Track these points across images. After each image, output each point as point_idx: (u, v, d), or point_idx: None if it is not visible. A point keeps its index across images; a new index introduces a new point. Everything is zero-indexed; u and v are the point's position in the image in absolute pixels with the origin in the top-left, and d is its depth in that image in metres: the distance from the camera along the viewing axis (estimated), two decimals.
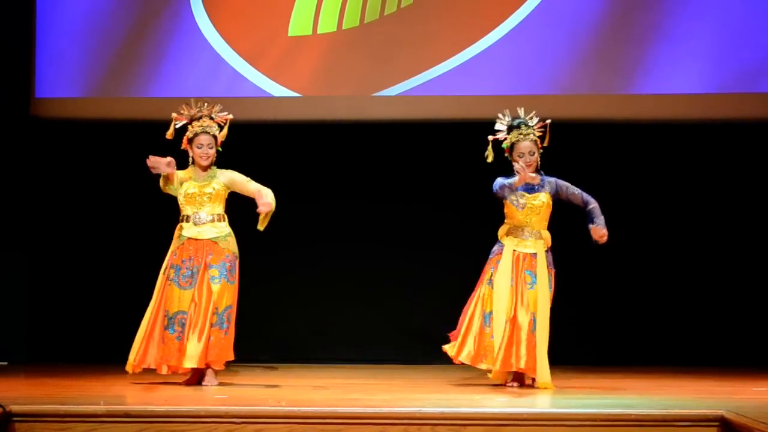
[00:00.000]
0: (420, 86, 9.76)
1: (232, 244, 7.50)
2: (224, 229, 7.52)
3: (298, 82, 9.83)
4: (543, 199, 7.52)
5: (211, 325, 7.36)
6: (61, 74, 9.89)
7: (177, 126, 7.63)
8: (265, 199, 7.35)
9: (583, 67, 9.69)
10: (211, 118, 7.61)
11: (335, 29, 9.83)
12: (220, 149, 7.64)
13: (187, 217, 7.55)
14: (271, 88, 9.79)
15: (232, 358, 7.43)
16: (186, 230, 7.53)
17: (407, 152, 10.05)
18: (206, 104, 7.65)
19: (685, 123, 9.78)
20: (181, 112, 7.63)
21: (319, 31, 9.82)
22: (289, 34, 9.83)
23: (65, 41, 9.89)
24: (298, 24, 9.83)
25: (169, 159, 7.49)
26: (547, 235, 7.53)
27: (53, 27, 9.89)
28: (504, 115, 7.61)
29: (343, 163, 10.05)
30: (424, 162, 10.03)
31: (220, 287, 7.39)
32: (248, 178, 7.55)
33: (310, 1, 9.81)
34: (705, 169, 9.93)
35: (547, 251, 7.49)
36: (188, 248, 7.51)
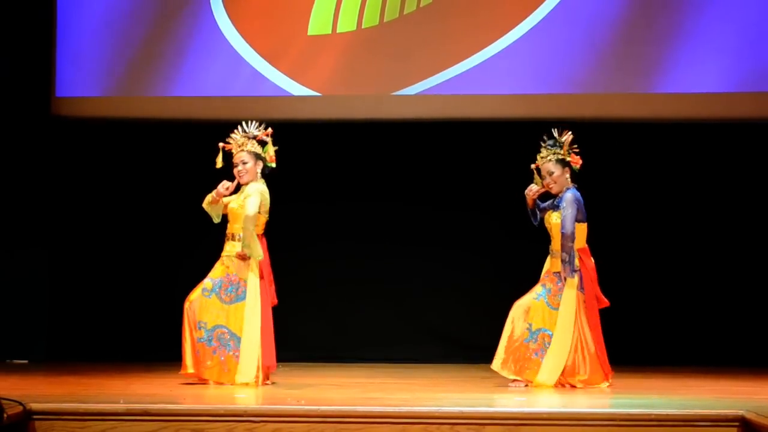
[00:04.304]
0: (439, 85, 9.75)
1: (235, 265, 7.43)
2: (236, 248, 7.45)
3: (318, 81, 9.84)
4: (551, 219, 7.58)
5: (198, 339, 7.36)
6: (82, 73, 9.92)
7: (228, 150, 7.61)
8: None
9: (602, 67, 9.67)
10: (254, 137, 7.59)
11: (355, 28, 9.83)
12: (272, 165, 7.63)
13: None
14: (290, 87, 9.80)
15: (226, 381, 7.33)
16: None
17: (427, 151, 10.04)
18: (255, 125, 7.61)
19: (705, 122, 9.75)
20: (229, 141, 7.61)
21: (338, 30, 9.83)
22: (309, 33, 9.84)
23: (85, 40, 9.92)
24: (318, 23, 9.83)
25: (227, 184, 7.53)
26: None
27: (73, 26, 9.92)
28: (543, 141, 7.66)
29: (362, 162, 10.05)
30: (443, 161, 10.03)
31: (209, 302, 7.40)
32: (253, 192, 7.45)
33: (330, 1, 9.82)
34: (725, 168, 9.90)
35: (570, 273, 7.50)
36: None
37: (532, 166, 7.67)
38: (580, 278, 7.45)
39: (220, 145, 7.61)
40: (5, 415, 5.27)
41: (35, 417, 5.53)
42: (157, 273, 9.97)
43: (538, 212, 7.74)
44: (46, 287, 9.88)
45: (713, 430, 5.48)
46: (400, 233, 10.02)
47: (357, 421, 5.54)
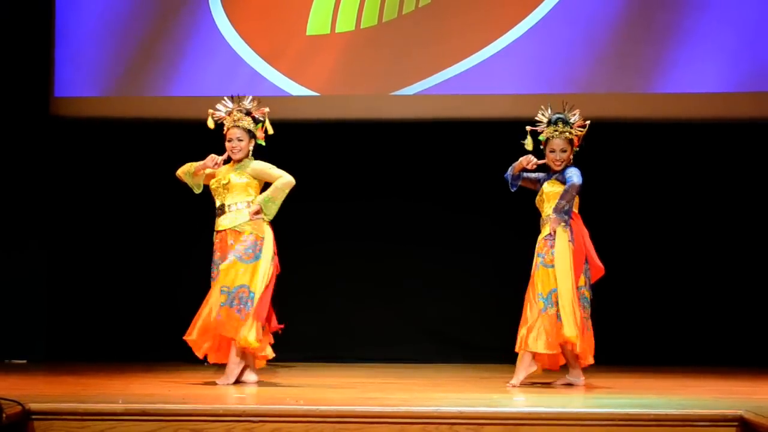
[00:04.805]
0: (438, 85, 9.76)
1: (249, 226, 7.40)
2: (241, 216, 7.46)
3: (317, 81, 9.84)
4: (545, 189, 7.55)
5: (221, 305, 7.29)
6: (80, 73, 9.93)
7: (216, 120, 7.60)
8: (260, 197, 7.44)
9: (601, 66, 9.68)
10: (248, 113, 7.58)
11: (353, 28, 9.84)
12: (262, 143, 7.62)
13: (216, 209, 7.54)
14: (289, 87, 9.81)
15: (238, 336, 7.27)
16: (216, 223, 7.54)
17: (425, 151, 10.05)
18: (249, 100, 7.61)
19: (704, 122, 9.76)
20: (217, 107, 7.61)
21: (337, 30, 9.83)
22: (308, 33, 9.84)
23: (84, 40, 9.92)
24: (317, 23, 9.84)
25: (216, 159, 7.52)
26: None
27: (72, 26, 9.92)
28: (546, 108, 7.64)
29: (361, 162, 10.05)
30: (442, 161, 10.03)
31: (230, 265, 7.35)
32: (272, 165, 7.52)
33: (329, 0, 9.82)
34: (724, 168, 9.91)
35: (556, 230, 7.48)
36: (217, 241, 7.50)
37: (529, 128, 7.63)
38: (571, 232, 7.43)
39: (210, 111, 7.61)
40: (4, 415, 5.26)
41: (34, 417, 5.53)
42: (157, 273, 9.98)
43: (519, 181, 7.71)
44: (45, 287, 9.88)
45: (712, 430, 5.48)
46: (400, 233, 10.02)
47: (356, 421, 5.53)
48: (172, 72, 9.90)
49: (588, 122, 7.63)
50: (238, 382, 7.35)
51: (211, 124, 7.62)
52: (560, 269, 7.37)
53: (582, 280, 7.49)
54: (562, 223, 7.41)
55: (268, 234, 7.44)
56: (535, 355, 7.44)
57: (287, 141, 9.59)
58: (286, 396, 6.46)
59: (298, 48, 9.85)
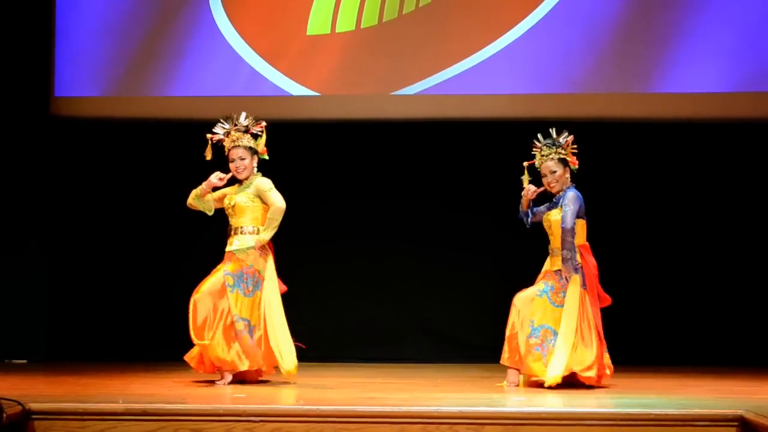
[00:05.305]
0: (438, 85, 9.75)
1: (251, 257, 7.44)
2: (246, 242, 7.46)
3: (317, 80, 9.84)
4: (551, 217, 7.55)
5: (240, 332, 7.33)
6: (80, 73, 9.92)
7: (215, 142, 7.57)
8: (261, 233, 7.44)
9: (601, 66, 9.68)
10: (246, 131, 7.56)
11: (354, 28, 9.84)
12: (265, 157, 7.61)
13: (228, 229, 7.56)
14: (289, 87, 9.80)
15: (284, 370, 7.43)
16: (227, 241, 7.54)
17: (426, 151, 10.04)
18: (244, 117, 7.58)
19: (703, 122, 9.75)
20: (215, 131, 7.58)
21: (337, 30, 9.83)
22: (308, 33, 9.84)
23: (84, 40, 9.92)
24: (317, 23, 9.83)
25: (220, 175, 7.52)
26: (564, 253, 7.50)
27: (72, 26, 9.92)
28: (539, 141, 7.64)
29: (361, 162, 10.05)
30: (442, 161, 10.03)
31: (234, 296, 7.38)
32: (270, 187, 7.51)
33: (329, 0, 9.82)
34: (724, 168, 9.90)
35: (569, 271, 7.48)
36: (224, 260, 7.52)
37: (525, 163, 7.64)
38: (582, 275, 7.43)
39: (209, 136, 7.58)
40: (4, 415, 5.27)
41: (34, 417, 5.54)
42: (157, 273, 9.97)
43: (531, 214, 7.73)
44: (45, 287, 9.88)
45: (712, 430, 5.49)
46: (400, 233, 10.01)
47: (356, 421, 5.54)
48: (172, 72, 9.89)
49: (570, 138, 7.61)
50: (234, 381, 7.35)
51: (208, 154, 7.58)
52: (568, 315, 7.38)
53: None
54: (573, 272, 7.42)
55: (270, 268, 7.48)
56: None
57: (287, 141, 9.60)
58: (286, 396, 6.46)
59: (299, 48, 9.85)
